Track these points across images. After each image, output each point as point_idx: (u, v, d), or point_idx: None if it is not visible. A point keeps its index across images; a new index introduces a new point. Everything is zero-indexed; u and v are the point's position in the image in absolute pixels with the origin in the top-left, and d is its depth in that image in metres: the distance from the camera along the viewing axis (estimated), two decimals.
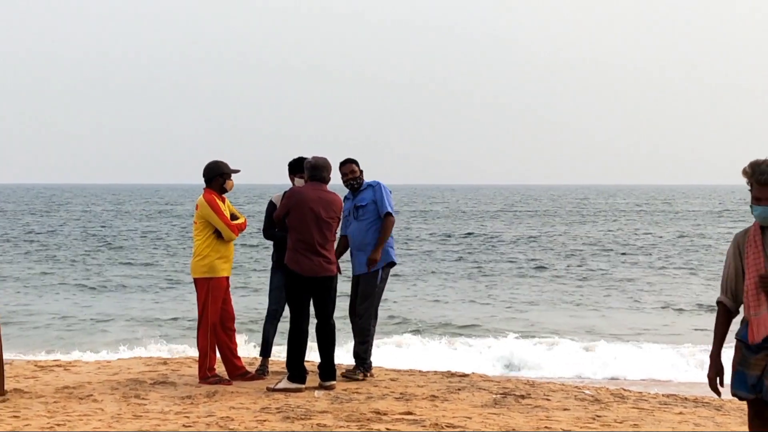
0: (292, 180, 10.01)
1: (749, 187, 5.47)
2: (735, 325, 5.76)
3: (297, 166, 9.94)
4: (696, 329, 19.23)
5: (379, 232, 9.77)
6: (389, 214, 9.79)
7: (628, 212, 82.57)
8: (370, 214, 9.82)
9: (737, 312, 5.70)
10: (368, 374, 9.95)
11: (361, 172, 9.98)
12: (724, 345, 5.71)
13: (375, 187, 9.88)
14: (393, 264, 10.00)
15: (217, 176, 9.68)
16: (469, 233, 51.83)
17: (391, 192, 10.01)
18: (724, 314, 5.70)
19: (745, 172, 5.46)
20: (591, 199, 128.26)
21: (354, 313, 9.92)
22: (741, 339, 5.60)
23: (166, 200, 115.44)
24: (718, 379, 5.66)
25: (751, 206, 5.51)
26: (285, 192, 9.60)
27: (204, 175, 9.72)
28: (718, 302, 5.72)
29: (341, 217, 9.49)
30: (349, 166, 9.96)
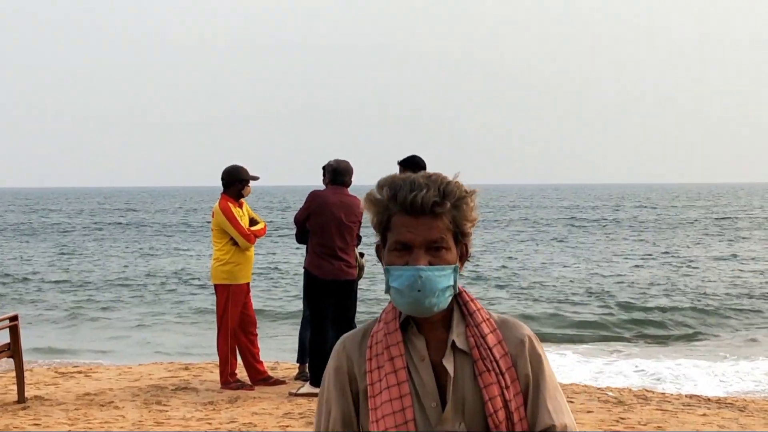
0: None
1: (376, 224, 2.59)
2: None
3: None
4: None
5: None
6: None
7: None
8: None
9: None
10: None
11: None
12: None
13: None
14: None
15: (235, 182, 9.62)
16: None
17: None
18: None
19: (372, 201, 2.56)
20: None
21: None
22: None
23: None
24: None
25: (386, 270, 2.53)
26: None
27: (222, 179, 9.66)
28: None
29: (362, 221, 9.45)
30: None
